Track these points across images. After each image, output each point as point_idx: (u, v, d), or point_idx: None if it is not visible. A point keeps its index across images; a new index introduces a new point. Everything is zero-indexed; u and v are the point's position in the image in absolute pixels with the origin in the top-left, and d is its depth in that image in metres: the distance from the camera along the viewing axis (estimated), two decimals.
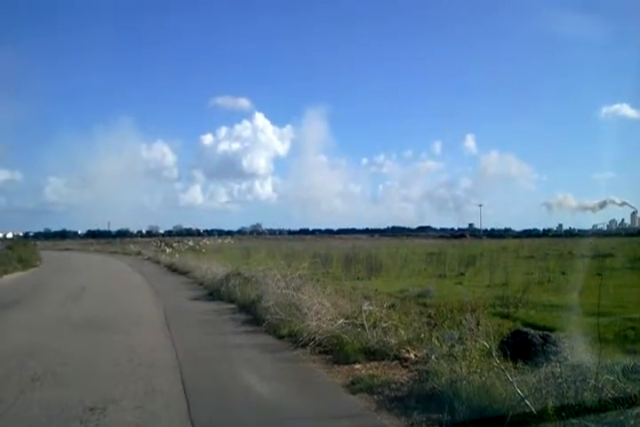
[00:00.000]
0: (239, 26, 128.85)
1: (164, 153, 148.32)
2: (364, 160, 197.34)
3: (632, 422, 4.35)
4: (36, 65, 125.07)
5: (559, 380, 5.10)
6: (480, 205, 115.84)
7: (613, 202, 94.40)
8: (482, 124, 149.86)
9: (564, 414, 4.54)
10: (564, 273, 21.95)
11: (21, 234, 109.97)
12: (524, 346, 7.15)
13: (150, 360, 8.30)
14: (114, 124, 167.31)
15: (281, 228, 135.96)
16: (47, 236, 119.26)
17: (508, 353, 6.16)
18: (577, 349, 7.24)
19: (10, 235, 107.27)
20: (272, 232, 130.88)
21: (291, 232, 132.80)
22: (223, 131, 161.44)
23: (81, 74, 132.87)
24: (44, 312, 13.76)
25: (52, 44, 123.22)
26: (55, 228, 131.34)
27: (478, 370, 5.77)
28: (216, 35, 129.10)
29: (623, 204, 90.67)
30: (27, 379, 7.17)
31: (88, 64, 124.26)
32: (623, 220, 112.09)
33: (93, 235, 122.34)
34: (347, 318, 9.26)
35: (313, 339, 8.73)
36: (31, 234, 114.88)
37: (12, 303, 15.31)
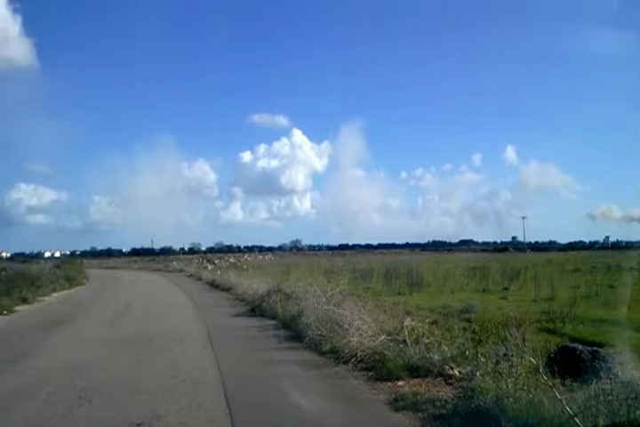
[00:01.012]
0: (275, 44, 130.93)
1: (204, 171, 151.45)
2: (403, 174, 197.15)
3: None
4: (79, 88, 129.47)
5: (610, 397, 4.94)
6: (523, 218, 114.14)
7: None
8: (522, 136, 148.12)
9: None
10: (612, 287, 21.34)
11: (68, 253, 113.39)
12: (572, 362, 6.98)
13: (194, 376, 8.38)
14: (155, 143, 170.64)
15: (320, 243, 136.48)
16: (93, 254, 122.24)
17: (556, 370, 6.01)
18: (628, 365, 7.03)
19: (57, 254, 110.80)
20: (311, 248, 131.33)
21: (330, 248, 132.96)
22: (262, 148, 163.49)
23: (122, 95, 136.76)
24: (90, 330, 14.04)
25: (94, 67, 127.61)
26: (101, 246, 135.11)
27: (525, 387, 5.64)
28: (252, 53, 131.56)
29: None
30: (74, 396, 7.31)
31: (129, 85, 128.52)
32: None
33: (137, 253, 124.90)
34: (388, 335, 9.18)
35: (355, 355, 8.68)
36: (78, 253, 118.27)
37: (60, 321, 15.67)
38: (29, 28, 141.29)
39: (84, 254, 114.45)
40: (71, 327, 14.63)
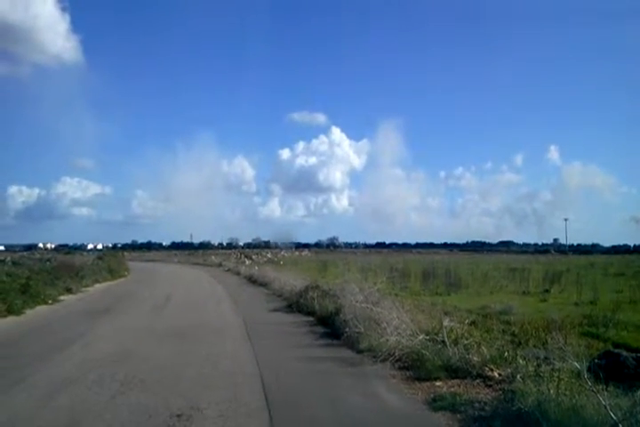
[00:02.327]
0: (315, 43, 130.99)
1: (243, 168, 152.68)
2: (442, 173, 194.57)
3: None
4: (124, 84, 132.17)
5: None
6: (566, 220, 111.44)
7: None
8: (566, 135, 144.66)
9: None
10: None
11: (110, 245, 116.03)
12: (616, 368, 6.83)
13: (232, 369, 8.49)
14: (196, 139, 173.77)
15: (357, 241, 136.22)
16: (134, 247, 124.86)
17: (600, 375, 5.89)
18: None
19: (100, 246, 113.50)
20: (348, 245, 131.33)
21: (367, 246, 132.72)
22: (300, 145, 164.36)
23: (165, 92, 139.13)
24: (131, 321, 14.37)
25: (138, 64, 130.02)
26: (141, 239, 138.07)
27: (568, 392, 5.54)
28: (294, 51, 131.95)
29: None
30: (116, 385, 7.47)
31: (172, 81, 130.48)
32: None
33: (177, 246, 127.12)
34: (427, 334, 9.11)
35: (392, 354, 8.65)
36: (119, 245, 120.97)
37: (103, 312, 16.08)
38: (77, 24, 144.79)
39: (125, 247, 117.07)
40: (113, 317, 14.99)
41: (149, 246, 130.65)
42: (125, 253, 72.59)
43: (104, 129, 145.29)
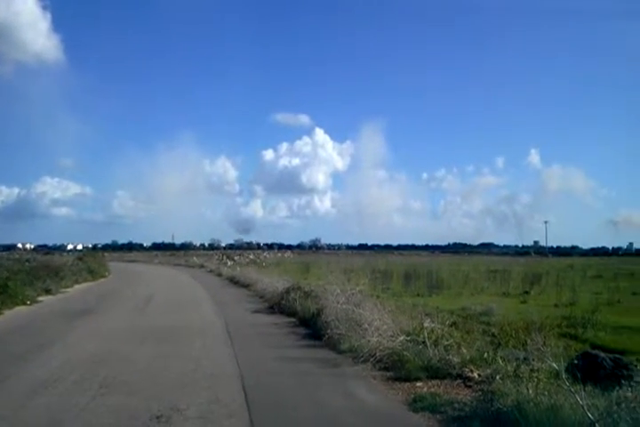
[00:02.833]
0: (298, 44, 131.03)
1: (226, 168, 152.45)
2: (424, 175, 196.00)
3: None
4: (104, 84, 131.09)
5: (632, 404, 4.89)
6: (546, 222, 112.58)
7: None
8: (546, 139, 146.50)
9: None
10: (635, 294, 21.10)
11: (90, 246, 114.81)
12: (593, 369, 6.91)
13: (213, 371, 8.46)
14: (178, 140, 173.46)
15: (339, 243, 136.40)
16: (114, 247, 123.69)
17: (577, 376, 5.96)
18: None
19: (80, 246, 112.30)
20: (331, 247, 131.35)
21: (349, 247, 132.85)
22: (284, 146, 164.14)
23: (147, 92, 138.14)
24: (111, 322, 14.24)
25: (119, 64, 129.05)
26: (122, 240, 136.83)
27: (546, 392, 5.60)
28: (276, 53, 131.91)
29: None
30: (96, 386, 7.41)
31: (153, 82, 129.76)
32: None
33: (158, 247, 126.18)
34: (408, 335, 9.16)
35: (373, 355, 8.67)
36: (100, 246, 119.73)
37: (83, 313, 15.92)
38: (57, 24, 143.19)
39: (106, 248, 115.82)
40: (93, 319, 14.85)
41: (130, 247, 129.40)
42: (106, 254, 71.78)
43: (85, 129, 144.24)
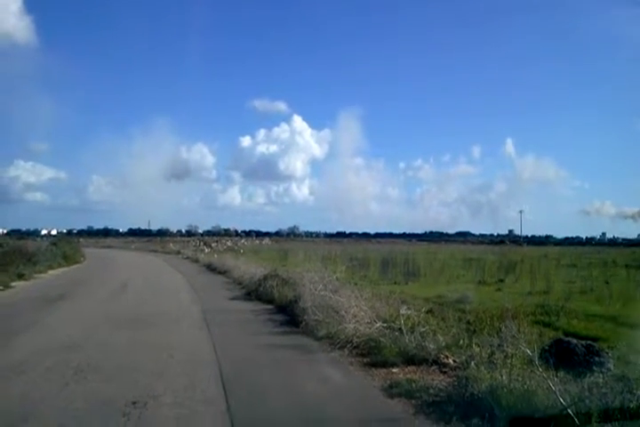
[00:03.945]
0: (277, 30, 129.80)
1: (202, 154, 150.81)
2: (402, 164, 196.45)
3: None
4: (79, 66, 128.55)
5: (603, 390, 5.00)
6: (521, 212, 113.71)
7: None
8: (522, 129, 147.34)
9: (608, 425, 4.45)
10: (607, 282, 21.45)
11: (65, 231, 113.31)
12: (566, 355, 7.04)
13: (190, 357, 8.44)
14: (154, 125, 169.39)
15: (317, 230, 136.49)
16: (90, 233, 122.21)
17: (550, 362, 6.06)
18: (621, 360, 7.10)
19: (54, 232, 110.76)
20: (309, 234, 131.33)
21: (327, 235, 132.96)
22: (261, 133, 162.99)
23: (123, 76, 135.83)
24: (86, 308, 14.12)
25: (93, 46, 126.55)
26: (98, 225, 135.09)
27: (519, 378, 5.69)
28: (254, 38, 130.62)
29: None
30: (70, 372, 7.35)
31: (129, 65, 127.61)
32: None
33: (134, 233, 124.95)
34: (384, 322, 9.23)
35: (350, 341, 8.73)
36: (74, 231, 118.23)
37: (57, 299, 15.71)
38: (29, 4, 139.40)
39: (81, 233, 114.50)
40: (68, 305, 14.69)
41: (106, 233, 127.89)
42: (81, 240, 71.13)
43: (59, 112, 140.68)
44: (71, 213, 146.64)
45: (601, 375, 5.85)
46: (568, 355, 7.07)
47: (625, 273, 25.38)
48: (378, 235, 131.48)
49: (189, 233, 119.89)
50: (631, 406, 4.65)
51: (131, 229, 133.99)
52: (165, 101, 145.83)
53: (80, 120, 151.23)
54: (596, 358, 7.01)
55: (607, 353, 7.33)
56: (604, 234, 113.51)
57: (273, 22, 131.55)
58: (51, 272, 26.54)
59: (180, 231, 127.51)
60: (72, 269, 30.13)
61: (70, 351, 8.69)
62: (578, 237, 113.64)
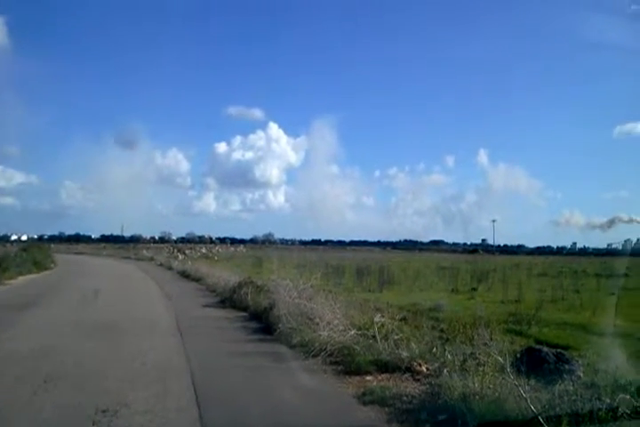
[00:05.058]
0: (253, 38, 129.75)
1: (178, 160, 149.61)
2: (377, 172, 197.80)
3: None
4: (51, 71, 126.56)
5: (573, 398, 5.08)
6: (494, 221, 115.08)
7: (621, 219, 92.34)
8: (495, 139, 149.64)
9: None
10: (577, 291, 21.84)
11: (36, 237, 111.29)
12: (537, 363, 7.12)
13: (162, 365, 8.33)
14: (129, 130, 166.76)
15: (293, 238, 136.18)
16: (61, 239, 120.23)
17: (522, 370, 6.14)
18: (591, 367, 7.22)
19: (24, 237, 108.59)
20: (284, 242, 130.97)
21: (303, 242, 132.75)
22: (237, 140, 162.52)
23: (96, 80, 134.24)
24: (57, 315, 13.86)
25: (66, 50, 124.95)
26: (69, 231, 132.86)
27: (491, 385, 5.75)
28: (229, 44, 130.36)
29: (630, 220, 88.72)
30: (40, 380, 7.19)
31: (103, 70, 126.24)
32: (638, 239, 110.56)
33: (107, 239, 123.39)
34: (358, 330, 9.26)
35: (324, 349, 8.71)
36: (45, 237, 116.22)
37: (26, 305, 15.38)
38: (1, 5, 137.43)
39: (52, 239, 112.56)
40: (38, 312, 14.42)
41: (78, 239, 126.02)
42: (52, 246, 69.74)
43: (31, 116, 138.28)
44: (42, 219, 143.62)
45: (571, 383, 5.92)
46: (539, 363, 7.15)
47: (595, 282, 25.85)
48: (353, 243, 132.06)
49: (163, 240, 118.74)
50: (600, 413, 4.72)
51: (103, 236, 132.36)
52: (140, 106, 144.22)
53: (53, 123, 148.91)
54: (567, 366, 7.09)
55: (577, 361, 7.44)
56: (574, 244, 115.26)
57: (249, 30, 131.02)
58: (20, 278, 26.02)
59: (153, 238, 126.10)
60: (43, 276, 29.58)
61: (40, 359, 8.51)
62: (549, 247, 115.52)
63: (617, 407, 4.75)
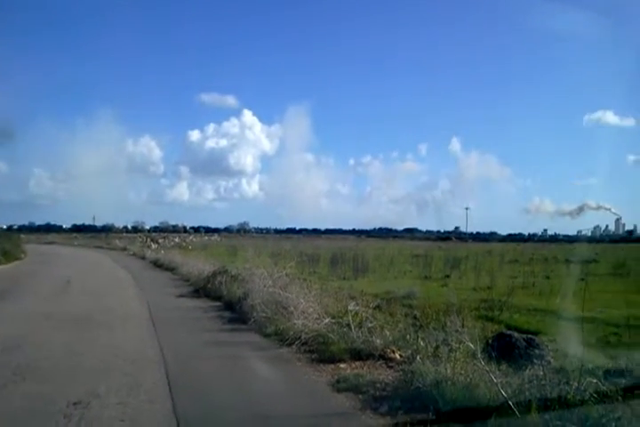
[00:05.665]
0: (225, 22, 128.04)
1: (150, 148, 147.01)
2: (351, 160, 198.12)
3: (613, 424, 4.44)
4: (17, 52, 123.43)
5: (543, 382, 5.18)
6: (467, 209, 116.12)
7: (589, 206, 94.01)
8: (468, 127, 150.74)
9: (547, 416, 4.61)
10: (548, 278, 22.20)
11: (5, 227, 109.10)
12: (508, 349, 7.25)
13: (135, 356, 8.27)
14: (99, 117, 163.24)
15: (268, 226, 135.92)
16: (31, 229, 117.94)
17: (493, 355, 6.24)
18: (560, 352, 7.37)
19: None
20: (259, 231, 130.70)
21: (277, 231, 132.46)
22: (211, 127, 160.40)
23: (66, 66, 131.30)
24: (27, 306, 13.64)
25: (34, 37, 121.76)
26: (40, 221, 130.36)
27: (463, 371, 5.84)
28: (203, 30, 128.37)
29: (599, 207, 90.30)
30: (9, 373, 7.10)
31: (71, 56, 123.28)
32: (607, 226, 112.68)
33: (78, 229, 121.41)
34: (333, 318, 9.30)
35: (299, 337, 8.75)
36: (15, 227, 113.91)
37: None
38: None
39: (22, 229, 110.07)
40: (7, 302, 14.19)
41: (48, 229, 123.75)
42: (22, 236, 68.50)
43: None
44: (11, 208, 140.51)
45: (541, 368, 6.04)
46: (510, 348, 7.28)
47: (565, 268, 26.32)
48: (328, 231, 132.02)
49: (136, 229, 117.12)
50: (568, 396, 4.82)
51: (75, 225, 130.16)
52: (111, 92, 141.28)
53: (20, 110, 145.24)
54: (537, 351, 7.24)
55: (547, 346, 7.60)
56: (545, 230, 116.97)
57: (223, 15, 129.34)
58: None
59: (125, 227, 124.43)
60: (12, 266, 29.12)
61: (9, 352, 8.39)
62: (520, 234, 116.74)
63: (584, 391, 4.85)
